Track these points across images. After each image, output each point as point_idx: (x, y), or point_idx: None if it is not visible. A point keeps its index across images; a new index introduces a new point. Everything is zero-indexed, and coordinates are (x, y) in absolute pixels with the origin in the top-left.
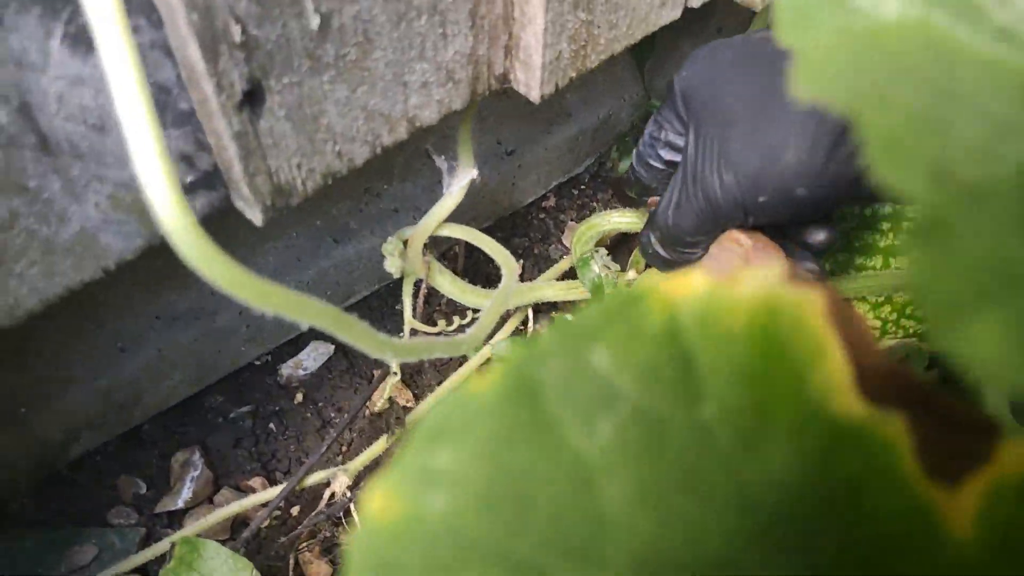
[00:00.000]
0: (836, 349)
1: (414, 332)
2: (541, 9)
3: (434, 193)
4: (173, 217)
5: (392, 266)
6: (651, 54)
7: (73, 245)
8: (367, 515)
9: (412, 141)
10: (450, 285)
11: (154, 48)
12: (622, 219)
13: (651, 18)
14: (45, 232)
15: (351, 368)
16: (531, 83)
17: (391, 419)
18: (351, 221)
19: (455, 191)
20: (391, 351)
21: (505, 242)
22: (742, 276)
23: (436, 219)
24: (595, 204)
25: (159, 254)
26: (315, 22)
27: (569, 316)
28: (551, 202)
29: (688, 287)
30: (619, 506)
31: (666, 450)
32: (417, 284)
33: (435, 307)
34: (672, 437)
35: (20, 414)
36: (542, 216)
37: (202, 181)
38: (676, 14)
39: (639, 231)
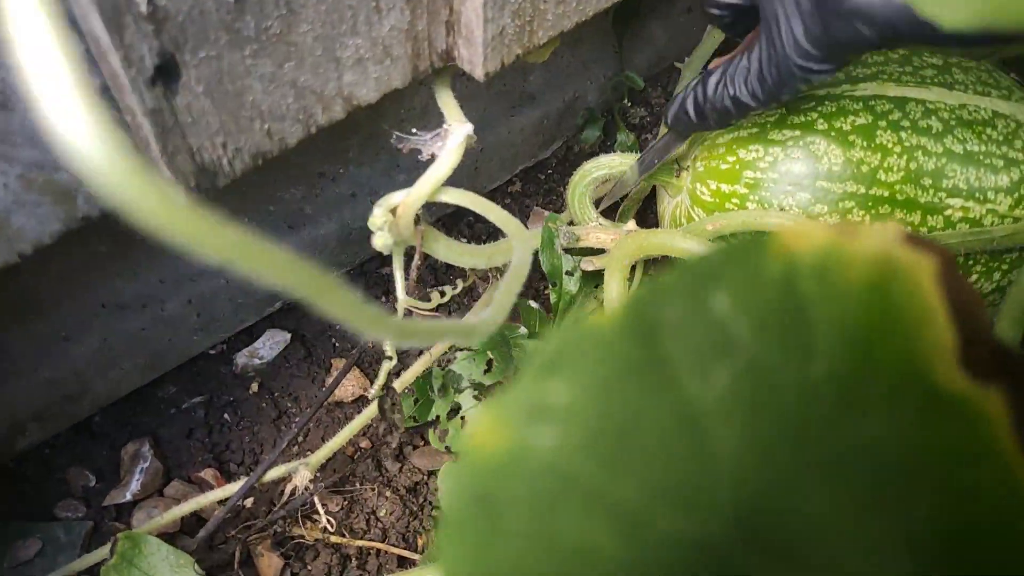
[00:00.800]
0: (945, 316)
1: (408, 312)
2: None
3: (391, 177)
4: (104, 156)
5: (383, 242)
6: (630, 31)
7: None
8: (470, 447)
9: (364, 122)
10: (446, 250)
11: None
12: (613, 161)
13: None
14: None
15: (309, 357)
16: (474, 60)
17: (386, 406)
18: (306, 206)
19: (452, 148)
20: (389, 331)
21: (469, 228)
22: (863, 232)
23: (432, 183)
24: (562, 189)
25: (99, 238)
26: None
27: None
28: (517, 187)
29: (809, 237)
30: (728, 456)
31: (777, 404)
32: (408, 256)
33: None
34: (783, 392)
35: None
36: (508, 201)
37: None
38: None
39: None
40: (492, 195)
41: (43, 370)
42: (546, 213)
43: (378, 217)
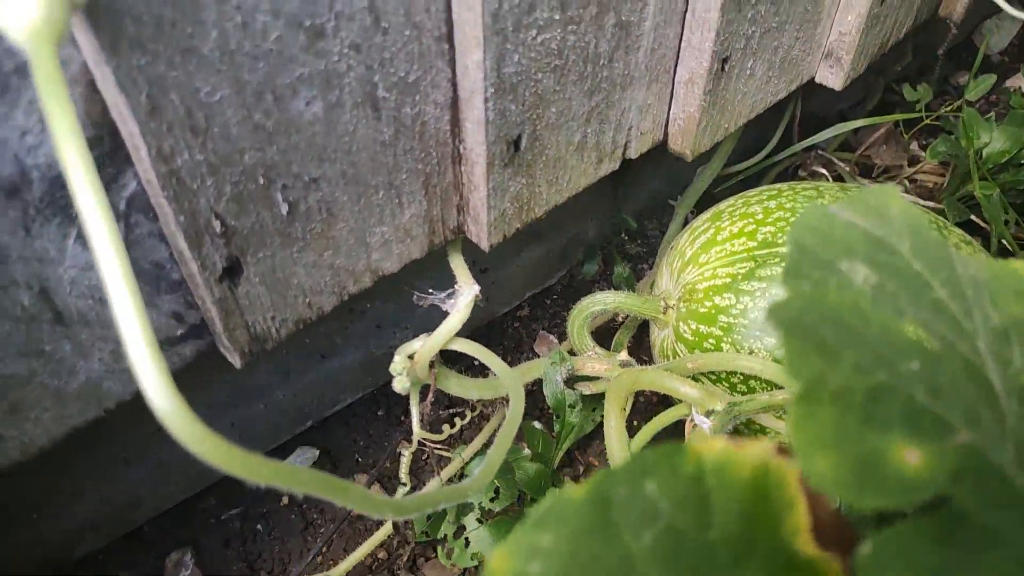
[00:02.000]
0: (804, 504)
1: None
2: (483, 179)
3: (412, 311)
4: (163, 402)
5: (401, 385)
6: (624, 179)
7: (80, 392)
8: (488, 569)
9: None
10: (457, 386)
11: (151, 236)
12: (607, 299)
13: (590, 173)
14: (56, 384)
15: (335, 471)
16: (481, 235)
17: (399, 523)
18: (337, 338)
19: (462, 307)
20: (390, 510)
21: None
22: (749, 444)
23: (446, 335)
24: (566, 313)
25: None
26: (284, 209)
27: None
28: (525, 312)
29: (712, 446)
30: None
31: (685, 557)
32: (423, 391)
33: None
34: (689, 549)
35: (31, 519)
36: (516, 325)
37: (191, 332)
38: (615, 166)
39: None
40: (503, 318)
41: (103, 488)
42: (551, 337)
43: (398, 364)
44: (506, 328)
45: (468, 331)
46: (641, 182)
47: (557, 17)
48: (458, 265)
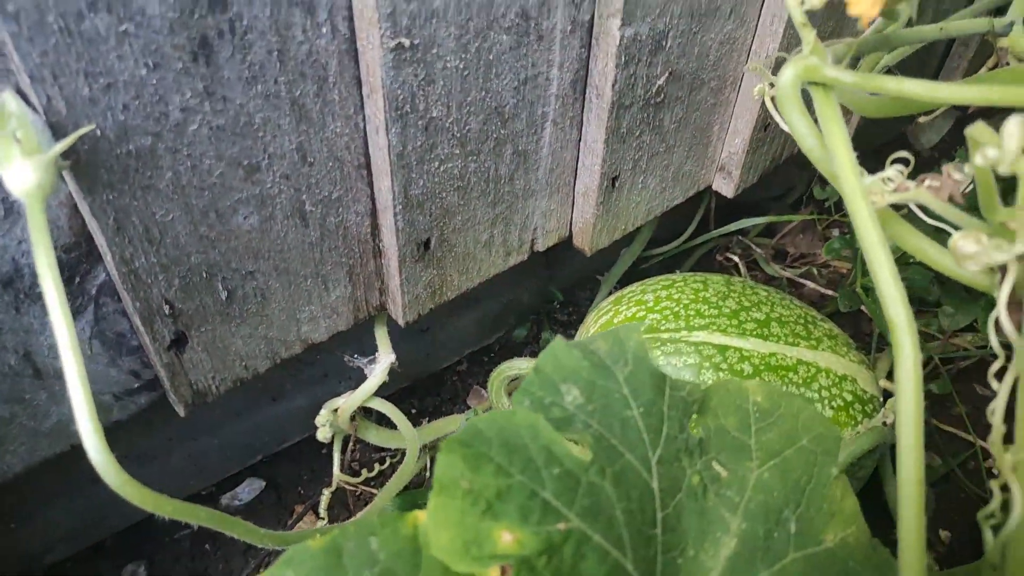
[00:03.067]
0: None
1: (349, 479)
2: (397, 271)
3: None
4: (96, 455)
5: (323, 435)
6: (555, 255)
7: (52, 431)
8: None
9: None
10: (376, 436)
11: (116, 313)
12: (523, 364)
13: (499, 264)
14: (32, 424)
15: (279, 502)
16: (398, 314)
17: None
18: (287, 384)
19: (378, 372)
20: (271, 541)
21: (419, 400)
22: None
23: (364, 394)
24: None
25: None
26: (224, 295)
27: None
28: (464, 367)
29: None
30: None
31: None
32: (345, 440)
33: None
34: None
35: (10, 528)
36: (455, 379)
37: (146, 386)
38: (523, 258)
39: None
40: (444, 372)
41: (75, 503)
42: (483, 392)
43: (323, 416)
44: (445, 380)
45: (410, 381)
46: (570, 258)
47: (457, 151)
48: (381, 337)
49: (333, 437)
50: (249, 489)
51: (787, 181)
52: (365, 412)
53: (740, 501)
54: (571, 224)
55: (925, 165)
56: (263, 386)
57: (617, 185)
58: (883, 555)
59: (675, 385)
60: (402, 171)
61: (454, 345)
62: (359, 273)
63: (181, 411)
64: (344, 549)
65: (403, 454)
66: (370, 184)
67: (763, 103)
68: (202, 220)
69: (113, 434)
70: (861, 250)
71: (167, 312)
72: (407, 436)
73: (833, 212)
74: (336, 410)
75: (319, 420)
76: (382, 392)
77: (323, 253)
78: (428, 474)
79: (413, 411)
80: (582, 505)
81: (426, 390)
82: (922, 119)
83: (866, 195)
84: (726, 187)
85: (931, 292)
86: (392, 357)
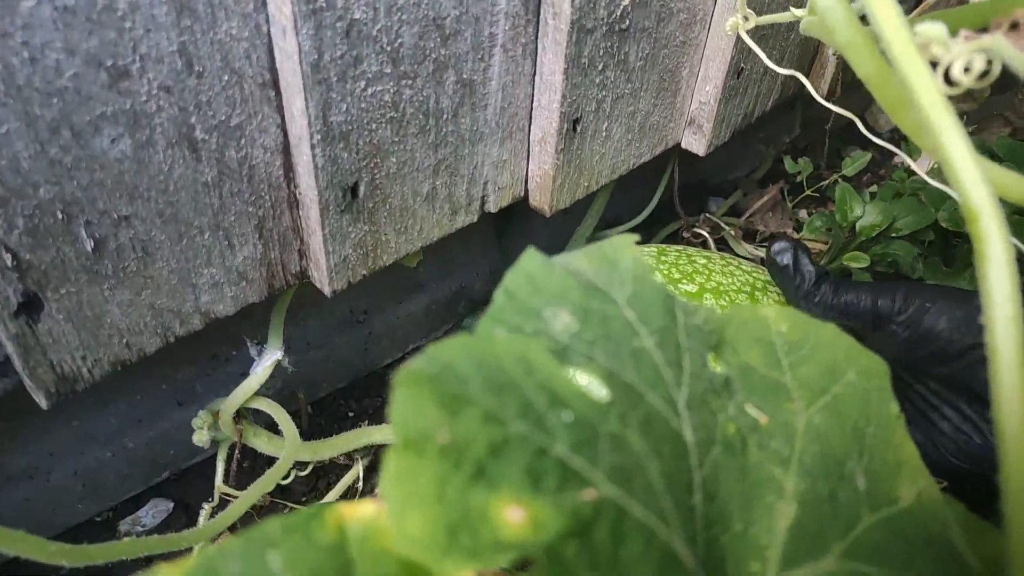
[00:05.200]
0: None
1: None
2: (319, 224)
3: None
4: None
5: (200, 439)
6: (510, 233)
7: None
8: None
9: (259, 312)
10: (267, 444)
11: None
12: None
13: (445, 224)
14: None
15: (191, 525)
16: (323, 281)
17: None
18: (197, 384)
19: (260, 371)
20: (64, 558)
21: (357, 402)
22: None
23: (243, 395)
24: None
25: None
26: (89, 245)
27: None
28: None
29: (358, 512)
30: None
31: None
32: (231, 449)
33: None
34: None
35: None
36: None
37: None
38: (473, 219)
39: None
40: (384, 371)
41: None
42: None
43: (200, 418)
44: (387, 380)
45: (346, 381)
46: (527, 237)
47: (388, 71)
48: (276, 323)
49: (218, 444)
50: (154, 512)
51: (754, 159)
52: (257, 414)
53: (791, 454)
54: (527, 180)
55: (885, 150)
56: (168, 387)
57: (579, 130)
58: (962, 511)
59: (688, 310)
60: (319, 88)
61: (396, 338)
62: (272, 228)
63: (42, 401)
64: (223, 575)
65: (346, 465)
66: (279, 109)
67: (736, 45)
68: (52, 139)
69: None
70: (915, 143)
71: (9, 264)
72: (288, 442)
73: (805, 187)
74: (217, 413)
75: (195, 422)
76: (317, 391)
77: (223, 199)
78: (360, 484)
79: (350, 414)
80: (610, 464)
81: (364, 391)
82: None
83: (922, 54)
84: (697, 143)
85: (916, 269)
86: (278, 354)
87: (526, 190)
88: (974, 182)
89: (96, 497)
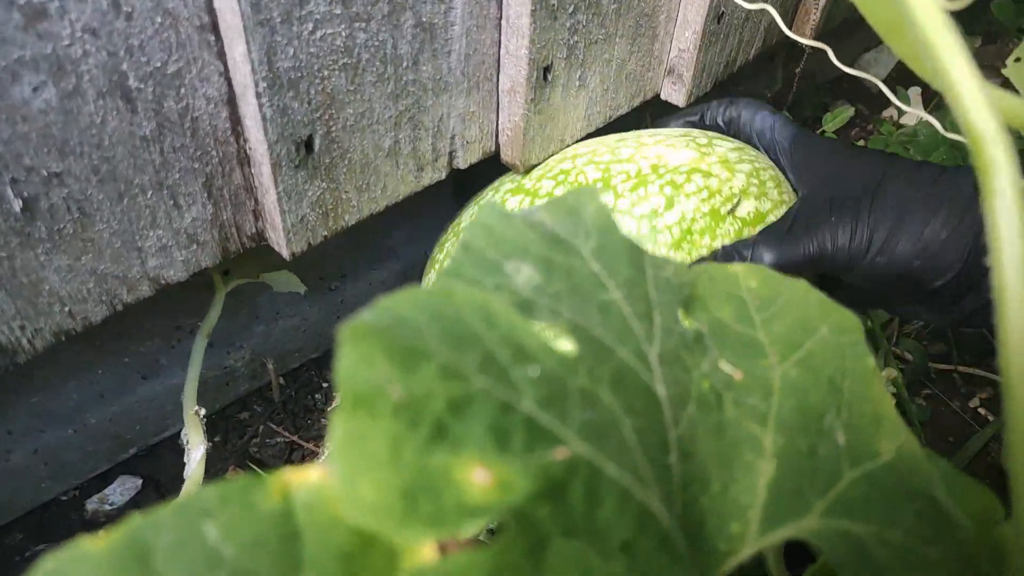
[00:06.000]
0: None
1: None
2: (272, 181)
3: (247, 328)
4: None
5: None
6: (467, 191)
7: None
8: None
9: (204, 287)
10: None
11: None
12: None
13: (411, 181)
14: None
15: (162, 501)
16: (280, 243)
17: None
18: (161, 358)
19: (193, 469)
20: None
21: (332, 372)
22: None
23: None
24: None
25: None
26: (18, 206)
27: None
28: None
29: (305, 477)
30: None
31: None
32: None
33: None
34: None
35: None
36: None
37: None
38: (440, 176)
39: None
40: None
41: None
42: None
43: None
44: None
45: (319, 352)
46: None
47: (339, 12)
48: (191, 424)
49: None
50: (122, 489)
51: None
52: None
53: (768, 410)
54: (497, 134)
55: (877, 101)
56: (130, 360)
57: (551, 79)
58: (946, 467)
59: (657, 263)
60: (261, 30)
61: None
62: (222, 186)
63: None
64: (154, 548)
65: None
66: (221, 55)
67: None
68: None
69: None
70: (915, 71)
71: None
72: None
73: None
74: None
75: None
76: (289, 361)
77: (165, 154)
78: None
79: (324, 384)
80: (581, 421)
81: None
82: (867, 54)
83: None
84: (676, 94)
85: None
86: (201, 450)
87: (497, 145)
88: (979, 106)
89: (60, 476)
